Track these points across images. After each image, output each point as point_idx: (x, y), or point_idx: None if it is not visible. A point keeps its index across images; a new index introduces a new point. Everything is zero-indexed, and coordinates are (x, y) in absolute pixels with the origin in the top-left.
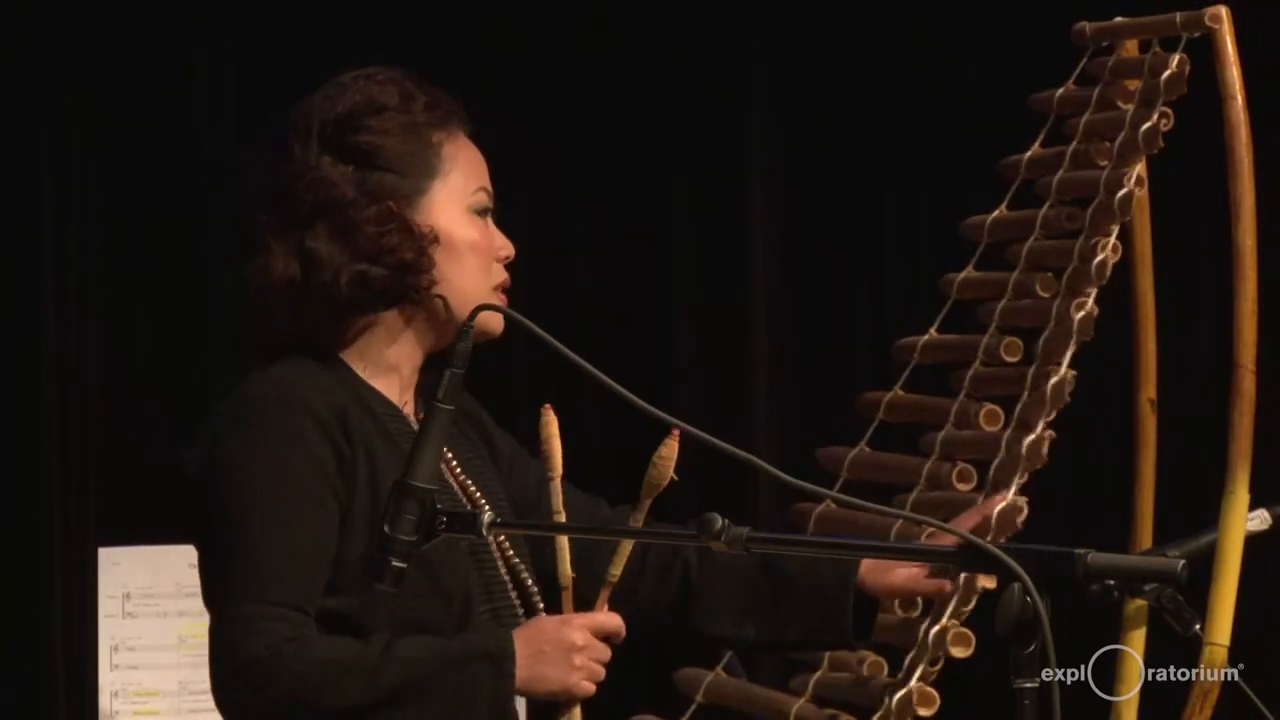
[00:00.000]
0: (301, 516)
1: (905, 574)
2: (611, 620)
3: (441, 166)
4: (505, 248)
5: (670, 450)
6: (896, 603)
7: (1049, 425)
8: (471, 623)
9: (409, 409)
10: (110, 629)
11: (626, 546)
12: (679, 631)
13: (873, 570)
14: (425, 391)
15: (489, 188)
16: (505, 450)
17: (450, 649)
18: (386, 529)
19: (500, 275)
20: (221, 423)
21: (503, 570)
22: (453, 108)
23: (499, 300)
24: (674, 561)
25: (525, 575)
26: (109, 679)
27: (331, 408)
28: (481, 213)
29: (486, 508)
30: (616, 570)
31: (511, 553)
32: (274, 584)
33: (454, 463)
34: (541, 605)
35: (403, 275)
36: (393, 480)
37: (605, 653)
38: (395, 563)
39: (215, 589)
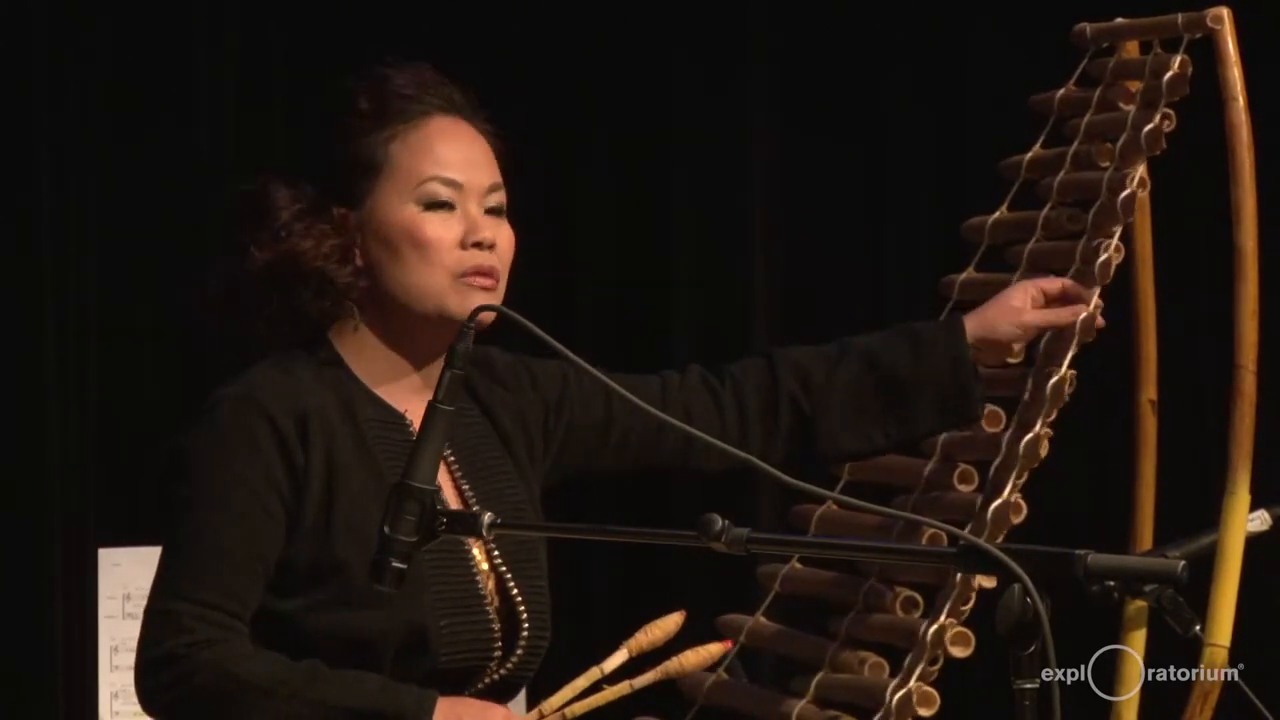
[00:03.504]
0: (238, 519)
1: (1015, 326)
2: None
3: (386, 162)
4: (474, 232)
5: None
6: (898, 603)
7: (1048, 424)
8: (429, 639)
9: (412, 413)
10: (110, 629)
11: (570, 688)
12: (803, 459)
13: (984, 338)
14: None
15: (449, 176)
16: (536, 406)
17: (367, 702)
18: (386, 530)
19: (468, 261)
20: (192, 420)
21: (487, 582)
22: (422, 98)
23: (471, 286)
24: (779, 401)
25: (512, 586)
26: (109, 679)
27: (289, 410)
28: (432, 205)
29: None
30: (551, 703)
31: (501, 563)
32: (201, 583)
33: (455, 466)
34: (525, 618)
35: (323, 278)
36: (356, 487)
37: None
38: (395, 564)
39: (154, 582)
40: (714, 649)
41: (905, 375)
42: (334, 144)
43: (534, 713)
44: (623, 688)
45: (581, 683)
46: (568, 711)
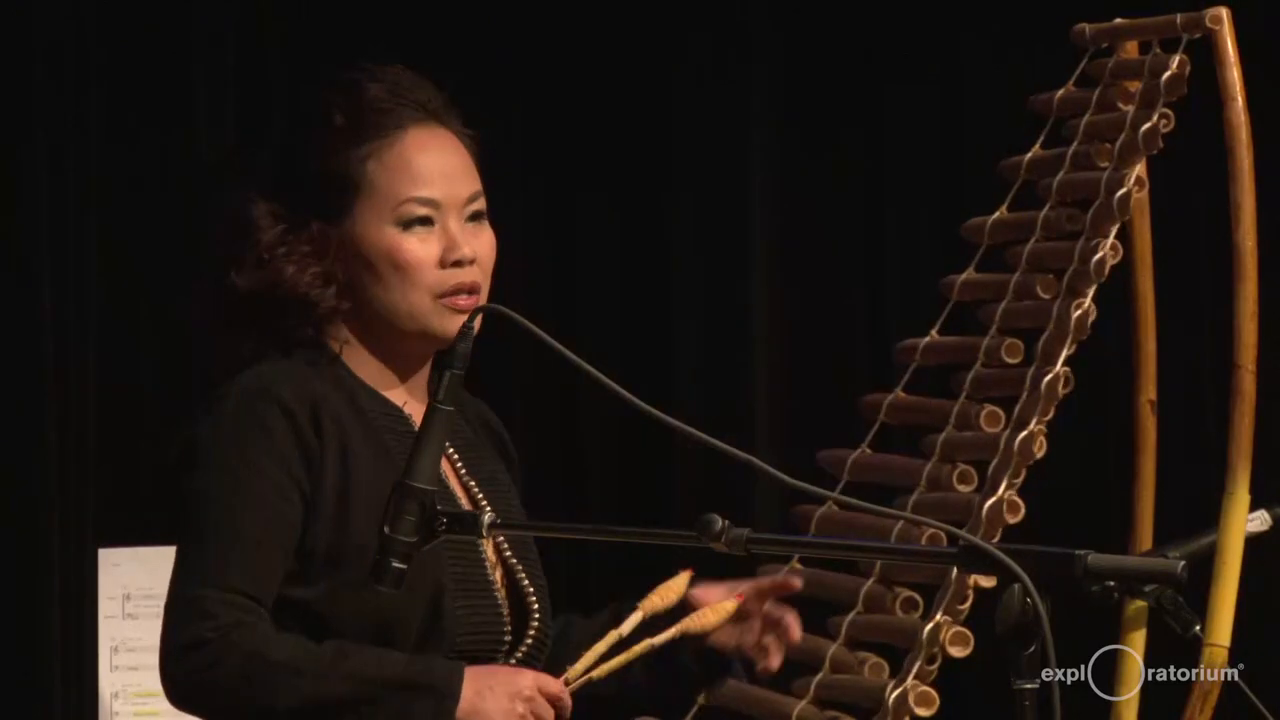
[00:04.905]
0: (260, 506)
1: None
2: (560, 689)
3: (364, 181)
4: (453, 251)
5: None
6: (897, 604)
7: (1043, 422)
8: (444, 619)
9: (409, 408)
10: (110, 630)
11: (593, 652)
12: None
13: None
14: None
15: (426, 195)
16: (506, 446)
17: (398, 674)
18: (386, 530)
19: (449, 280)
20: (197, 413)
21: (495, 572)
22: (397, 109)
23: (452, 302)
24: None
25: (522, 577)
26: (109, 680)
27: (301, 399)
28: (410, 224)
29: (487, 508)
30: (576, 669)
31: (510, 553)
32: (227, 570)
33: (458, 461)
34: (536, 607)
35: (307, 305)
36: (368, 474)
37: (549, 712)
38: (396, 564)
39: (173, 572)
40: (730, 605)
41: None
42: (310, 159)
43: (559, 680)
44: (644, 646)
45: (601, 647)
46: (594, 674)
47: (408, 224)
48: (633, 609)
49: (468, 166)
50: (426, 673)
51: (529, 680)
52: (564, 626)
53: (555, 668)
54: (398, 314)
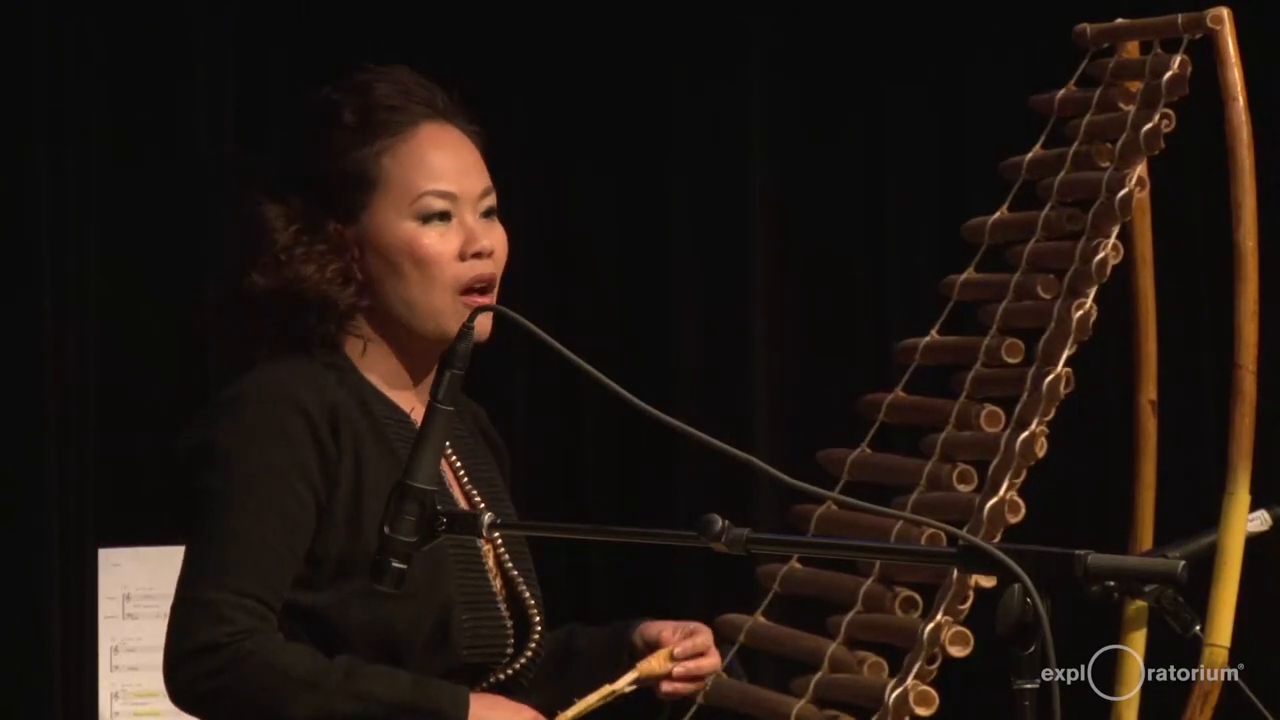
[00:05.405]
0: (275, 510)
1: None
2: None
3: (380, 177)
4: (473, 243)
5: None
6: (896, 603)
7: (1044, 423)
8: (452, 632)
9: (416, 414)
10: (110, 630)
11: (584, 702)
12: None
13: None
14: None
15: (444, 189)
16: (502, 454)
17: (407, 695)
18: (386, 530)
19: (469, 273)
20: (211, 412)
21: (496, 581)
22: (408, 107)
23: (472, 299)
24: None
25: (523, 587)
26: (109, 680)
27: (321, 405)
28: (429, 218)
29: (486, 511)
30: (566, 716)
31: (510, 564)
32: (240, 574)
33: (458, 465)
34: (538, 618)
35: (327, 303)
36: (380, 481)
37: None
38: (395, 564)
39: (183, 573)
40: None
41: (578, 650)
42: (322, 159)
43: None
44: (604, 692)
45: (594, 698)
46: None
47: (426, 218)
48: (630, 667)
49: (479, 163)
50: (433, 697)
51: (529, 715)
52: (566, 638)
53: (567, 681)
54: (417, 310)
